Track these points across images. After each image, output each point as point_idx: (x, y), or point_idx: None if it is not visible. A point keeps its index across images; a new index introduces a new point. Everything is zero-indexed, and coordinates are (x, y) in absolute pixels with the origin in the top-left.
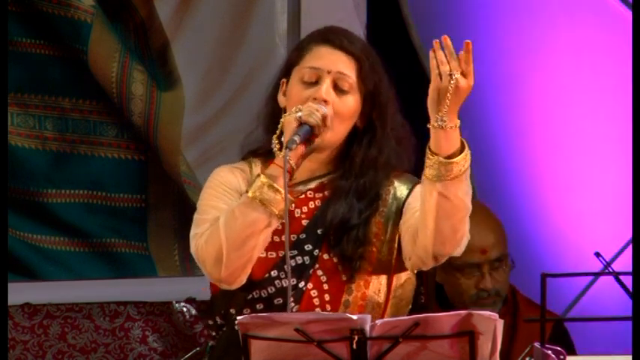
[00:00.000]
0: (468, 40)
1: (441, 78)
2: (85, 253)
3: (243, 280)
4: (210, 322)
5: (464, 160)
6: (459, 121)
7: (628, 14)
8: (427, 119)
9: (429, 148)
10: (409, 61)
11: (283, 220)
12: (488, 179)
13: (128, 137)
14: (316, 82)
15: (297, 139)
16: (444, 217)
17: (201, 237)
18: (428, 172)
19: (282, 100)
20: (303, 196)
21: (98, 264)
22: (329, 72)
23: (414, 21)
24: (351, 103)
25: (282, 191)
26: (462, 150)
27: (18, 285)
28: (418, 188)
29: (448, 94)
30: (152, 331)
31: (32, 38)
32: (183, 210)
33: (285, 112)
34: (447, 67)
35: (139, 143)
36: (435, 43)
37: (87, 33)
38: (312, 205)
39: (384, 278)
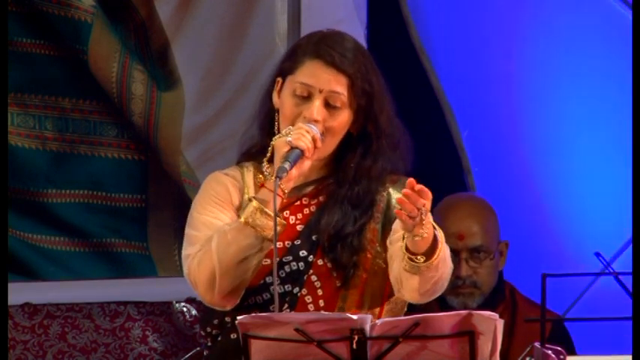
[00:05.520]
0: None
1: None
2: (85, 253)
3: (235, 302)
4: (203, 333)
5: (440, 253)
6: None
7: (628, 14)
8: (426, 119)
9: (408, 250)
10: (409, 61)
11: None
12: (488, 179)
13: (128, 137)
14: (307, 97)
15: (287, 166)
16: (428, 286)
17: (194, 259)
18: (407, 267)
19: (276, 99)
20: (298, 202)
21: (98, 264)
22: (320, 91)
23: (414, 21)
24: (343, 118)
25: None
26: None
27: (18, 285)
28: None
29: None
30: (152, 331)
31: (32, 38)
32: (183, 210)
33: (279, 113)
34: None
35: (138, 143)
36: (405, 193)
37: (87, 33)
38: (306, 211)
39: (379, 285)
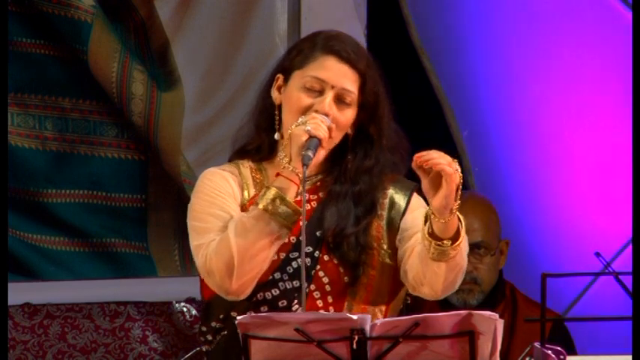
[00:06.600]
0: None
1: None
2: (85, 253)
3: (250, 291)
4: (204, 329)
5: (463, 236)
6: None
7: (628, 14)
8: (426, 119)
9: (434, 236)
10: (409, 61)
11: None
12: (488, 179)
13: (128, 137)
14: (318, 92)
15: (310, 154)
16: (452, 276)
17: (208, 248)
18: (435, 255)
19: (275, 95)
20: (299, 197)
21: (98, 264)
22: (333, 86)
23: (414, 21)
24: (350, 115)
25: (293, 203)
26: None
27: (18, 285)
28: (414, 201)
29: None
30: (152, 331)
31: (32, 38)
32: (183, 210)
33: (278, 109)
34: (445, 163)
35: (139, 143)
36: (417, 157)
37: (87, 33)
38: (308, 207)
39: (387, 282)
